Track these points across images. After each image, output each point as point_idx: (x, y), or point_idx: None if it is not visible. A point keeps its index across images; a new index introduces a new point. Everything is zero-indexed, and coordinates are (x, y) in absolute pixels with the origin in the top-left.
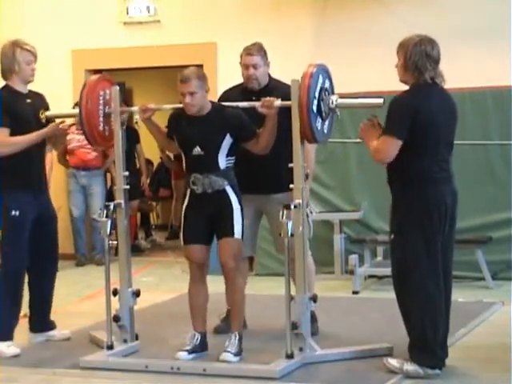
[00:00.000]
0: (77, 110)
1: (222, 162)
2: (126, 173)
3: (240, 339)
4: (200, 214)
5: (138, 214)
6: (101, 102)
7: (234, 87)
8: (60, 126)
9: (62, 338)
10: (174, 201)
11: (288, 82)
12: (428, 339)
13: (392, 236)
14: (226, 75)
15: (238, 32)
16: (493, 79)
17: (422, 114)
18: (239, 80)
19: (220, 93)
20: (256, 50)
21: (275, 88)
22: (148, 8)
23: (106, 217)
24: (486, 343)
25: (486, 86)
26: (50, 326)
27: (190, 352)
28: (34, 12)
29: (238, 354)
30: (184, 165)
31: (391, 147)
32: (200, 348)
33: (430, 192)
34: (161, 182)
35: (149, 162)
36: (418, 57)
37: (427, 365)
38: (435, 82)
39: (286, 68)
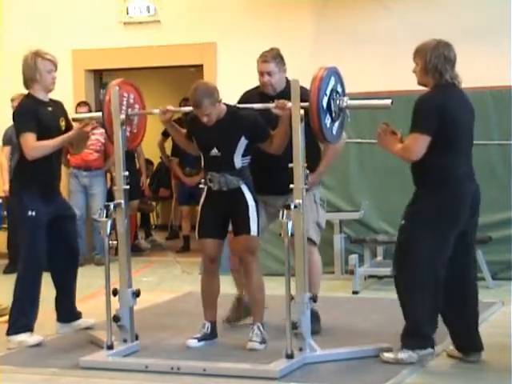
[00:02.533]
0: (100, 113)
1: (238, 161)
2: (126, 173)
3: (263, 328)
4: (215, 209)
5: (138, 214)
6: (124, 104)
7: (254, 89)
8: (83, 130)
9: (86, 325)
10: (174, 201)
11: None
12: (416, 324)
13: (403, 222)
14: (226, 75)
15: (238, 32)
16: (493, 79)
17: (446, 112)
18: (239, 80)
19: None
20: (271, 57)
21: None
22: (148, 8)
23: (106, 217)
24: (486, 343)
25: (486, 85)
26: (76, 316)
27: (200, 340)
28: (34, 12)
29: (263, 342)
30: (202, 163)
31: (420, 144)
32: (210, 336)
33: (455, 190)
34: (161, 182)
35: (149, 162)
36: (438, 59)
37: (417, 347)
38: (454, 83)
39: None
